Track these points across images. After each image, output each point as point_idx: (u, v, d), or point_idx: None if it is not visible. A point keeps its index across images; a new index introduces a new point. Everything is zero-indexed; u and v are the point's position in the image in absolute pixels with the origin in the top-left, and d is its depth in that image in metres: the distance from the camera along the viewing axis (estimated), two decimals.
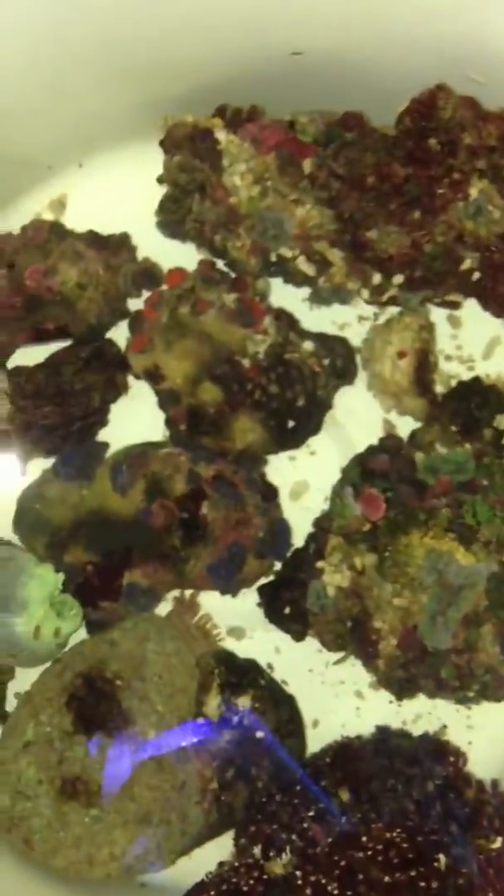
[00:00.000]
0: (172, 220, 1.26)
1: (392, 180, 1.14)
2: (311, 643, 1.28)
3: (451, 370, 1.33)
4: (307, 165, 1.18)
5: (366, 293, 1.26)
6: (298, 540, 1.30)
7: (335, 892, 1.00)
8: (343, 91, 1.15)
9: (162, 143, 1.24)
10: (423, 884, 1.00)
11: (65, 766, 1.12)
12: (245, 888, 1.03)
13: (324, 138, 1.16)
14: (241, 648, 1.30)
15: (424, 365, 1.27)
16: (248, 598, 1.30)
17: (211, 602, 1.31)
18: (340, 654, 1.28)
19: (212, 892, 1.04)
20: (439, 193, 1.14)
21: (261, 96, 1.20)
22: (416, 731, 1.28)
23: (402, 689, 1.22)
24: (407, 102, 1.14)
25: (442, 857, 1.03)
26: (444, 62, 1.12)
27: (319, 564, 1.24)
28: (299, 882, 1.02)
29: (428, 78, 1.13)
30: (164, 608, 1.30)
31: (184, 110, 1.22)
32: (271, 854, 1.06)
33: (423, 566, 1.17)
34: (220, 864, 1.11)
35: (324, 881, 1.01)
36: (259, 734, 1.21)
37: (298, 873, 1.03)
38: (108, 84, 1.21)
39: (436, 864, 1.02)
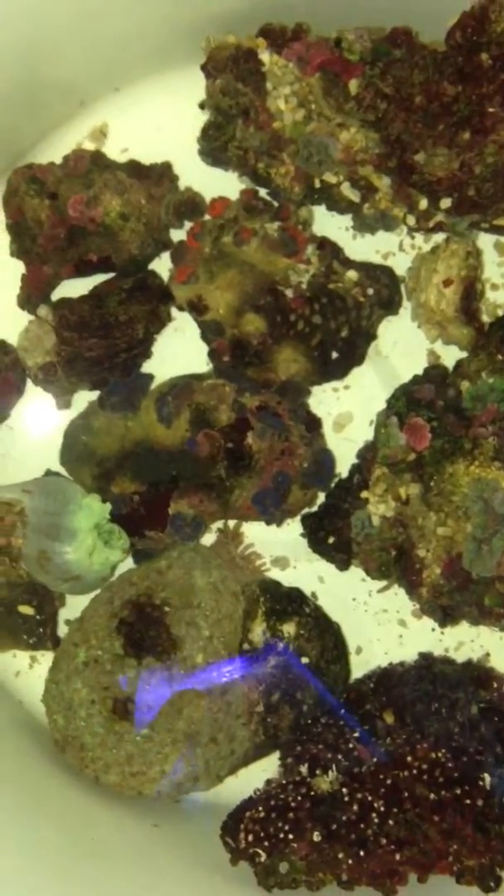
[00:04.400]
0: (215, 147, 1.24)
1: (441, 99, 1.11)
2: (355, 573, 1.29)
3: (499, 299, 1.32)
4: (353, 86, 1.15)
5: (411, 219, 1.24)
6: (342, 470, 1.30)
7: (381, 808, 1.03)
8: (391, 5, 1.11)
9: (203, 67, 1.22)
10: (467, 801, 1.02)
11: (116, 687, 1.15)
12: (293, 804, 1.06)
13: (371, 56, 1.13)
14: (285, 578, 1.32)
15: (471, 293, 1.25)
16: (292, 529, 1.31)
17: (255, 532, 1.32)
18: (384, 583, 1.29)
19: (260, 807, 1.08)
20: (490, 112, 1.10)
21: (306, 13, 1.17)
22: (459, 658, 1.29)
23: (446, 616, 1.23)
24: (457, 16, 1.10)
25: (487, 776, 1.05)
26: None
27: (364, 494, 1.24)
28: (346, 799, 1.05)
29: None
30: (208, 539, 1.32)
31: (226, 31, 1.20)
32: (318, 772, 1.08)
33: (469, 495, 1.17)
34: (268, 781, 1.14)
35: (370, 798, 1.04)
36: (303, 660, 1.23)
37: (345, 790, 1.05)
38: (147, 4, 1.18)
39: (480, 783, 1.04)
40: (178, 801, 1.25)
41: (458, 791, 1.03)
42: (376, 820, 1.03)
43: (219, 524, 1.32)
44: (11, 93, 1.19)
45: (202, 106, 1.24)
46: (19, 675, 1.33)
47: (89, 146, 1.32)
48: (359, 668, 1.30)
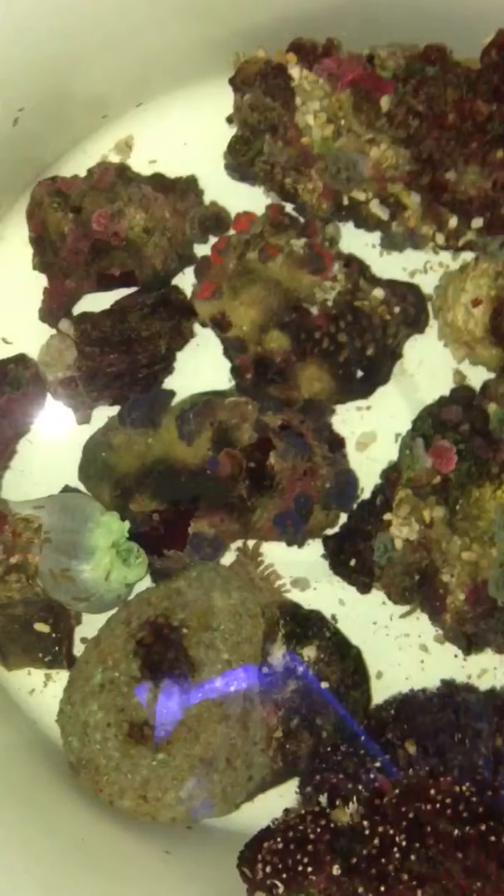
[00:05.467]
0: (242, 161, 1.22)
1: (475, 118, 1.09)
2: (376, 596, 1.27)
3: None
4: (384, 103, 1.13)
5: (441, 238, 1.22)
6: (364, 490, 1.28)
7: (403, 843, 1.01)
8: (425, 22, 1.10)
9: (232, 81, 1.20)
10: (492, 838, 1.00)
11: (132, 710, 1.13)
12: (312, 836, 1.04)
13: (403, 73, 1.11)
14: (305, 599, 1.30)
15: (501, 313, 1.22)
16: (313, 550, 1.29)
17: (275, 553, 1.30)
18: (406, 608, 1.27)
19: (278, 838, 1.05)
20: None
21: (337, 29, 1.16)
22: (482, 685, 1.26)
23: (470, 643, 1.20)
24: (493, 34, 1.08)
25: None
26: None
27: (387, 517, 1.22)
28: (366, 832, 1.02)
29: None
30: (227, 558, 1.30)
31: (255, 46, 1.18)
32: (337, 803, 1.06)
33: (495, 520, 1.15)
34: (286, 811, 1.12)
35: (391, 832, 1.01)
36: (323, 685, 1.20)
37: (365, 823, 1.03)
38: (177, 18, 1.17)
39: None
40: (189, 828, 1.23)
41: (483, 827, 1.00)
42: (397, 855, 1.00)
43: (238, 543, 1.30)
44: (37, 106, 1.18)
45: (230, 120, 1.23)
46: (34, 693, 1.32)
47: (115, 159, 1.30)
48: (379, 693, 1.27)
